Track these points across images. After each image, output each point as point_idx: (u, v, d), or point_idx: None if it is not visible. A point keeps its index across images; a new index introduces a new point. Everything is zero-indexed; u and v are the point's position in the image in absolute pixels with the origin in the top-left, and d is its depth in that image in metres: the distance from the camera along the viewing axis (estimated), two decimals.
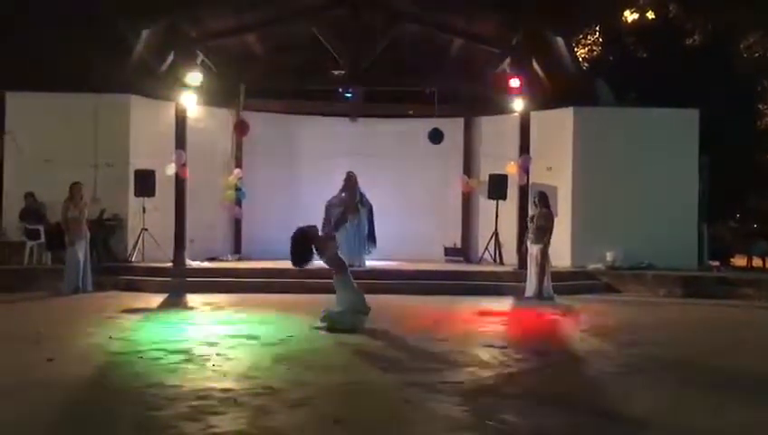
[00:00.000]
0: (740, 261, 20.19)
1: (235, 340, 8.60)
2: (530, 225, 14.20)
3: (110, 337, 8.67)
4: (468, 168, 18.92)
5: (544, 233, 13.86)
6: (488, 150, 18.58)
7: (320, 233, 9.91)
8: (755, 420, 5.58)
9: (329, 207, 16.03)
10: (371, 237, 16.15)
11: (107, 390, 6.27)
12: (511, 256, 16.35)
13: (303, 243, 9.48)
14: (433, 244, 18.48)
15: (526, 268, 14.15)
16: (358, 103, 18.54)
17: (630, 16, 25.56)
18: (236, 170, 18.00)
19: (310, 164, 18.79)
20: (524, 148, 15.88)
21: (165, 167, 15.62)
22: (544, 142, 16.59)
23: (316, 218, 16.34)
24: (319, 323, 9.46)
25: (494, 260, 17.43)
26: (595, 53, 25.66)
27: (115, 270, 15.21)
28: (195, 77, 15.23)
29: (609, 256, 16.43)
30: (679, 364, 7.78)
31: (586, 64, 23.89)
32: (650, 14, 25.14)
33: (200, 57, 16.27)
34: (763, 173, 24.20)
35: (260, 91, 18.74)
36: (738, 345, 9.32)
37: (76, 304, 12.27)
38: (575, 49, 21.59)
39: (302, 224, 9.63)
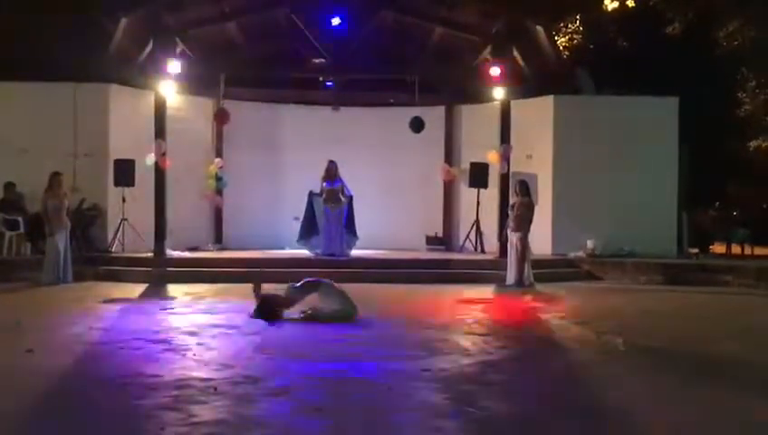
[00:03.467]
0: (719, 248, 20.31)
1: (215, 329, 8.58)
2: (510, 213, 14.22)
3: (91, 327, 8.64)
4: (449, 156, 18.91)
5: (524, 221, 13.89)
6: (469, 139, 18.60)
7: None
8: (729, 407, 5.62)
9: (311, 196, 16.02)
10: (351, 230, 16.08)
11: (87, 380, 6.24)
12: (492, 245, 16.40)
13: (269, 311, 9.52)
14: (414, 232, 18.48)
15: (507, 257, 14.18)
16: (338, 92, 18.50)
17: (611, 5, 25.63)
18: (217, 160, 17.92)
19: (291, 153, 18.74)
20: (505, 136, 15.91)
21: (145, 156, 15.51)
22: (525, 131, 16.59)
23: (298, 207, 16.42)
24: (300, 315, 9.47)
25: (475, 249, 17.47)
26: (575, 41, 25.72)
27: (95, 260, 15.12)
28: (174, 66, 15.14)
29: (589, 244, 16.49)
30: (658, 351, 7.82)
31: (566, 53, 23.93)
32: (630, 3, 25.21)
33: (180, 46, 16.18)
34: (743, 161, 24.36)
35: (240, 80, 18.65)
36: (716, 332, 9.38)
37: (56, 295, 12.19)
38: (556, 37, 21.62)
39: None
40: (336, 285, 9.78)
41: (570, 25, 25.73)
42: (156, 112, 15.29)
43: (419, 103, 18.40)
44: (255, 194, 18.20)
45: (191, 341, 7.79)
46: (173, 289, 12.80)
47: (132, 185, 16.04)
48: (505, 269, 14.08)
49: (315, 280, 9.79)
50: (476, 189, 17.53)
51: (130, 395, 5.57)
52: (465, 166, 18.21)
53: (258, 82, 18.85)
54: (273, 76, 18.69)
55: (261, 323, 9.04)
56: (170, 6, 15.77)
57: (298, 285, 9.70)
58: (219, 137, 18.44)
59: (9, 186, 15.73)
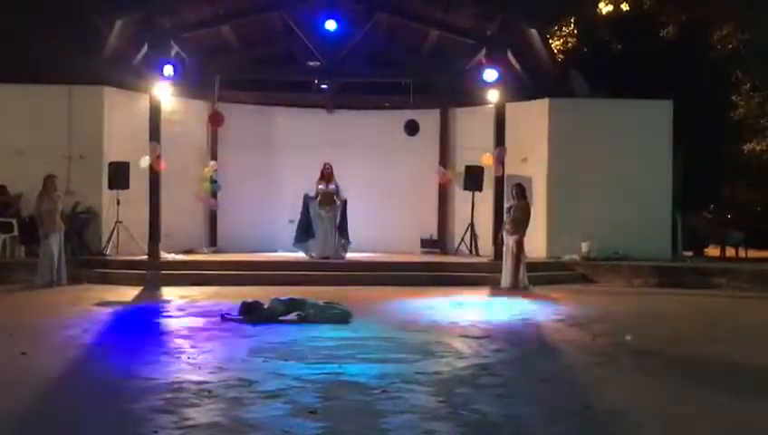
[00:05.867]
0: (714, 251, 20.35)
1: (209, 332, 8.57)
2: (506, 216, 14.24)
3: (85, 330, 8.63)
4: (444, 159, 18.92)
5: (521, 224, 13.90)
6: (464, 142, 18.61)
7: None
8: (724, 409, 5.63)
9: (306, 199, 16.01)
10: (344, 233, 16.03)
11: (81, 382, 6.23)
12: (487, 248, 16.41)
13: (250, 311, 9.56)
14: (409, 235, 18.49)
15: (502, 259, 14.19)
16: (333, 95, 18.49)
17: (605, 8, 25.62)
18: (212, 162, 17.90)
19: (286, 155, 18.73)
20: (500, 139, 15.92)
21: (140, 159, 15.48)
22: (520, 134, 16.61)
23: (293, 210, 16.41)
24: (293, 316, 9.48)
25: (470, 251, 17.48)
26: (570, 44, 25.69)
27: (90, 263, 15.10)
28: (169, 68, 15.12)
29: (584, 247, 16.50)
30: (652, 354, 7.82)
31: (561, 56, 23.92)
32: (625, 6, 25.23)
33: (174, 48, 16.17)
34: (737, 164, 24.38)
35: (235, 83, 18.64)
36: (711, 334, 9.40)
37: (50, 297, 12.18)
38: (550, 41, 21.62)
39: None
40: (322, 302, 9.84)
41: (564, 28, 25.71)
42: (150, 115, 15.29)
43: (414, 106, 18.44)
44: (250, 196, 18.17)
45: (185, 343, 7.78)
46: (167, 292, 12.78)
47: (126, 187, 16.00)
48: (500, 272, 14.09)
49: (300, 298, 9.80)
50: (471, 192, 17.53)
51: (124, 398, 5.56)
52: (460, 169, 18.21)
53: (253, 85, 18.83)
54: (267, 79, 18.68)
55: (255, 325, 9.03)
56: (165, 9, 15.77)
57: (282, 299, 9.72)
58: (214, 139, 18.42)
59: (1, 188, 15.67)
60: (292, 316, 9.42)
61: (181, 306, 11.11)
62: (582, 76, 19.29)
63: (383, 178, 18.68)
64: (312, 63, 17.11)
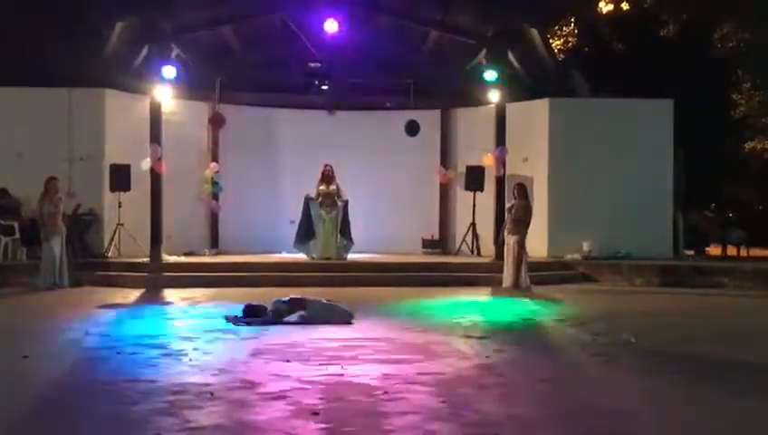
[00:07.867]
0: (715, 250, 20.34)
1: (211, 334, 8.57)
2: (507, 216, 14.23)
3: (87, 332, 8.62)
4: (445, 159, 18.94)
5: (522, 224, 13.89)
6: (465, 142, 18.61)
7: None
8: (726, 409, 5.62)
9: (307, 200, 16.01)
10: (346, 234, 16.01)
11: (83, 385, 6.23)
12: (488, 248, 16.41)
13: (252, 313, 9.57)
14: (411, 236, 18.49)
15: (503, 259, 14.18)
16: (334, 96, 18.49)
17: (605, 7, 25.63)
18: (213, 164, 17.91)
19: (287, 157, 18.74)
20: (501, 139, 15.93)
21: (141, 161, 15.48)
22: (520, 133, 16.63)
23: (294, 211, 16.41)
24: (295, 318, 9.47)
25: (472, 251, 17.49)
26: (570, 44, 25.71)
27: (91, 265, 15.09)
28: (170, 70, 15.14)
29: (585, 246, 16.51)
30: (653, 353, 7.83)
31: (561, 56, 23.92)
32: (625, 5, 25.23)
33: (175, 50, 16.18)
34: (739, 162, 24.39)
35: (236, 84, 18.64)
36: (712, 334, 9.39)
37: (52, 300, 12.18)
38: (551, 40, 21.62)
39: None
40: (324, 299, 9.85)
41: (564, 28, 25.72)
42: (151, 117, 15.29)
43: (415, 107, 18.43)
44: (251, 198, 18.16)
45: (187, 346, 7.78)
46: (169, 294, 12.78)
47: (128, 190, 16.02)
48: (502, 272, 14.08)
49: (301, 297, 9.81)
50: (472, 192, 17.54)
51: (126, 400, 5.56)
52: (461, 169, 18.22)
53: (254, 87, 18.84)
54: (268, 80, 18.67)
55: (257, 327, 9.03)
56: (166, 11, 15.76)
57: (284, 299, 9.72)
58: (215, 141, 18.43)
59: (2, 191, 15.67)
60: (295, 318, 9.41)
61: (183, 308, 11.12)
62: (583, 76, 19.30)
63: (384, 179, 18.68)
64: (312, 65, 17.10)
